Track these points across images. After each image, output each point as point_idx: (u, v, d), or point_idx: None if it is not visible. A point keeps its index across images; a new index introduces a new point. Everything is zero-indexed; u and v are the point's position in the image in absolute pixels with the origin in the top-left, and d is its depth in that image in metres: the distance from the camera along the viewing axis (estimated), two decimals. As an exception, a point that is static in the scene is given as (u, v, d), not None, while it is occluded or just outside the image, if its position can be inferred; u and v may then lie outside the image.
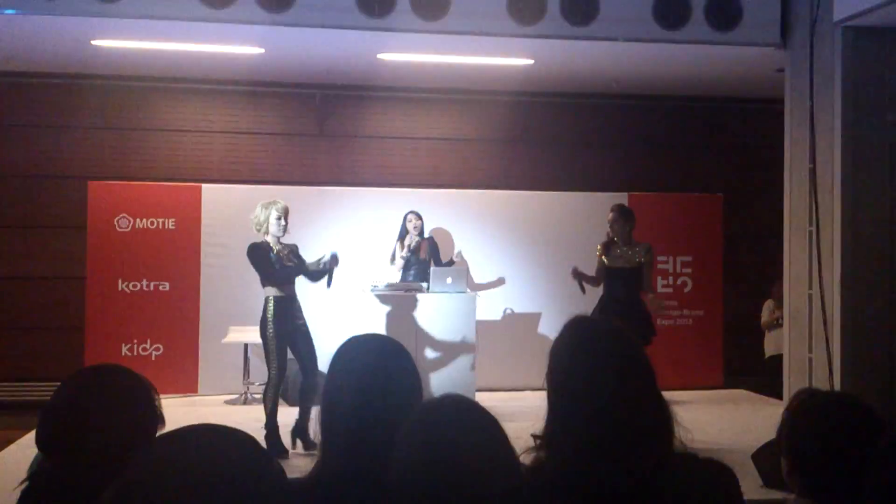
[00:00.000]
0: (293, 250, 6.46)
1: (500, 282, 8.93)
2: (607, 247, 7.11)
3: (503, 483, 1.53)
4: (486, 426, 1.59)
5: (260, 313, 6.29)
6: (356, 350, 1.98)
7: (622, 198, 9.23)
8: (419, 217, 8.16)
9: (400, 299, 7.69)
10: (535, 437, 1.80)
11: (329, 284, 6.64)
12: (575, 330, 1.83)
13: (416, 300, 7.70)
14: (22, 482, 1.89)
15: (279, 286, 6.28)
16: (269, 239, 6.33)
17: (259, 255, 6.27)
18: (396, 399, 1.85)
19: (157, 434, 1.75)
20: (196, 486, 1.09)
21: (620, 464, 1.68)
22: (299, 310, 6.39)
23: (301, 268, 6.45)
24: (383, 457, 1.66)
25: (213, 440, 1.17)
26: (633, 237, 7.17)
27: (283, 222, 6.32)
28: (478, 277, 8.90)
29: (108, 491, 1.11)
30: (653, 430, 1.72)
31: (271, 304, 6.25)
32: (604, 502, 1.68)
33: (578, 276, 7.25)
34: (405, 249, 8.07)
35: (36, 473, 1.93)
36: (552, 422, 1.77)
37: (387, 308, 7.60)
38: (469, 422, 1.58)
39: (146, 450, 1.16)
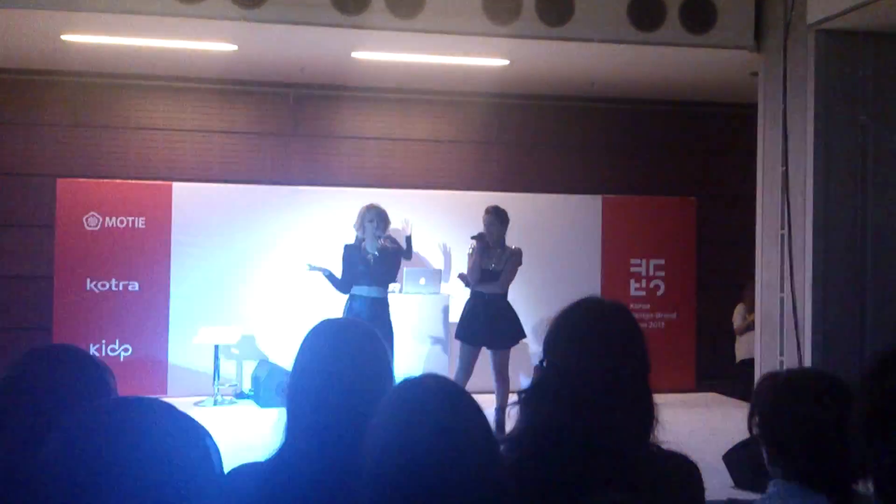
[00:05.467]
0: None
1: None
2: (483, 248, 7.00)
3: (483, 463, 1.51)
4: (467, 406, 1.57)
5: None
6: (326, 331, 1.96)
7: (596, 200, 9.24)
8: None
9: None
10: (519, 393, 1.86)
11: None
12: (585, 303, 1.91)
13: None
14: None
15: None
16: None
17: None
18: (365, 382, 1.83)
19: None
20: (118, 452, 1.15)
21: (597, 439, 1.74)
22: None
23: None
24: (350, 439, 1.63)
25: (142, 411, 1.21)
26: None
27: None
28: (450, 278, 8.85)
29: (38, 456, 1.17)
30: (635, 415, 1.80)
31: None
32: (576, 479, 1.72)
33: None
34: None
35: None
36: (540, 379, 1.83)
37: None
38: (450, 399, 1.55)
39: (72, 418, 1.19)
